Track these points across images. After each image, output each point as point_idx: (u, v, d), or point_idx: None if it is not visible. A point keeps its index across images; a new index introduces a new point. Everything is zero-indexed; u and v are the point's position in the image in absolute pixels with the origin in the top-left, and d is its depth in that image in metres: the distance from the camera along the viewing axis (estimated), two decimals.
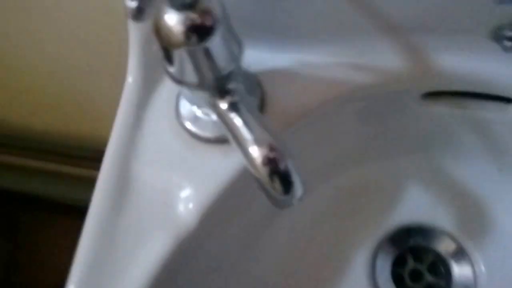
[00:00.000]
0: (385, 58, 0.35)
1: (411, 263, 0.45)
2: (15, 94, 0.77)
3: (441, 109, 0.38)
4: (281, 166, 0.27)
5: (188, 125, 0.34)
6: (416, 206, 0.45)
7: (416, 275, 0.45)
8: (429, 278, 0.44)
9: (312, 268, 0.45)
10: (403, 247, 0.45)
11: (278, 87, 0.35)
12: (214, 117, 0.29)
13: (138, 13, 0.21)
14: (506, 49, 0.31)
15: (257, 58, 0.36)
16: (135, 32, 0.35)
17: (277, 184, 0.27)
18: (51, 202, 1.16)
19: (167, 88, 0.36)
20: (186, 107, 0.34)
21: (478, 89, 0.35)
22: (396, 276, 0.45)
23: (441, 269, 0.44)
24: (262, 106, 0.35)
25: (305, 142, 0.38)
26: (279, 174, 0.27)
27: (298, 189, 0.27)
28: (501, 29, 0.30)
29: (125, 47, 0.36)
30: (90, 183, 0.34)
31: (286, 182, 0.27)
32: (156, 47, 0.26)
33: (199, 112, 0.34)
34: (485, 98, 0.37)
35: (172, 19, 0.24)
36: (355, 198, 0.46)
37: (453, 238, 0.44)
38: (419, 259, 0.45)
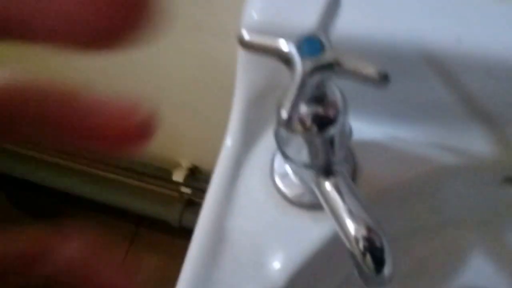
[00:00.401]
0: (475, 144, 0.36)
1: None
2: None
3: None
4: (377, 245, 0.29)
5: (283, 188, 0.36)
6: (479, 275, 0.45)
7: None
8: None
9: None
10: None
11: (369, 158, 0.37)
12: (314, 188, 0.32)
13: (289, 122, 0.23)
14: None
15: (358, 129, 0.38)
16: (239, 98, 0.38)
17: (370, 263, 0.29)
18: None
19: (264, 149, 0.38)
20: (281, 169, 0.37)
21: None
22: None
23: None
24: (354, 176, 0.37)
25: (387, 212, 0.39)
26: (374, 254, 0.29)
27: (389, 269, 0.29)
28: None
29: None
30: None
31: (379, 262, 0.29)
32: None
33: (294, 178, 0.36)
34: None
35: (300, 109, 0.26)
36: (429, 264, 0.47)
37: None
38: None
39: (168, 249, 1.05)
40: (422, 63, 0.33)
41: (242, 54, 0.36)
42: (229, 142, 0.38)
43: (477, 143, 0.36)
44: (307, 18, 0.26)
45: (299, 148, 0.29)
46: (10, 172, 1.12)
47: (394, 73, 0.32)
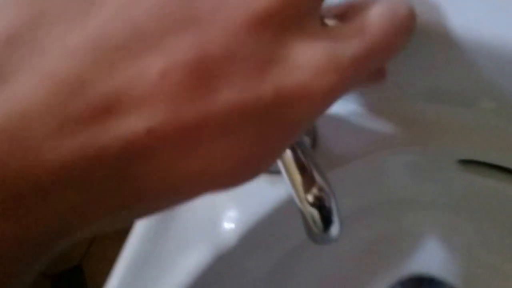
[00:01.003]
0: (427, 122, 0.37)
1: None
2: None
3: (476, 177, 0.40)
4: (326, 203, 0.30)
5: None
6: (432, 259, 0.47)
7: None
8: None
9: None
10: None
11: (331, 132, 0.38)
12: None
13: None
14: None
15: None
16: None
17: (318, 220, 0.30)
18: None
19: None
20: None
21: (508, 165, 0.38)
22: None
23: None
24: (314, 145, 0.38)
25: (345, 186, 0.40)
26: (322, 210, 0.30)
27: (336, 229, 0.30)
28: None
29: None
30: None
31: (327, 221, 0.30)
32: None
33: None
34: None
35: None
36: (379, 243, 0.48)
37: None
38: None
39: None
40: None
41: None
42: None
43: (432, 124, 0.38)
44: None
45: None
46: None
47: None
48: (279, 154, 0.16)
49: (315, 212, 0.30)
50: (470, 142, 0.38)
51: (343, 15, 0.21)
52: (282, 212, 0.35)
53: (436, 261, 0.48)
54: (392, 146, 0.39)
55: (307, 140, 0.37)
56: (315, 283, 0.45)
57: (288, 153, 0.31)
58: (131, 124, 0.12)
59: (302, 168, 0.31)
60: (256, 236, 0.35)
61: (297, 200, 0.30)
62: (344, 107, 0.40)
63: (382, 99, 0.39)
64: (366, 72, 0.17)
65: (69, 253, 1.22)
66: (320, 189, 0.30)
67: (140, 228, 0.35)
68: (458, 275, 0.48)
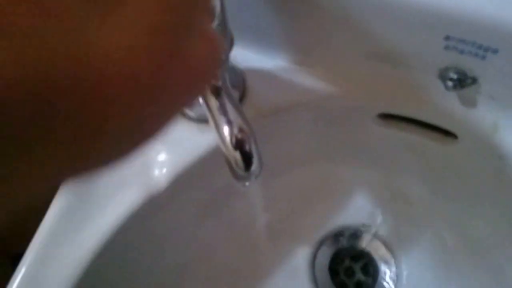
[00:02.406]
0: (353, 76, 0.41)
1: (347, 262, 0.51)
2: None
3: (391, 130, 0.45)
4: (246, 146, 0.33)
5: None
6: (358, 211, 0.51)
7: (350, 272, 0.51)
8: (360, 276, 0.51)
9: (258, 251, 0.50)
10: (341, 246, 0.51)
11: (258, 85, 0.41)
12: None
13: None
14: (448, 89, 0.37)
15: (246, 57, 0.41)
16: None
17: (240, 161, 0.33)
18: None
19: None
20: None
21: (423, 119, 0.42)
22: (333, 271, 0.51)
23: (370, 270, 0.50)
24: (242, 98, 0.40)
25: (269, 135, 0.43)
26: (243, 153, 0.33)
27: (256, 168, 0.33)
28: (446, 71, 0.36)
29: None
30: None
31: (247, 161, 0.33)
32: None
33: None
34: (430, 128, 0.43)
35: None
36: (305, 194, 0.52)
37: (385, 244, 0.50)
38: (354, 259, 0.51)
39: None
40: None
41: None
42: None
43: (354, 78, 0.41)
44: None
45: None
46: None
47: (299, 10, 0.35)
48: None
49: (237, 154, 0.33)
50: (390, 97, 0.42)
51: None
52: (209, 157, 0.38)
53: (362, 213, 0.52)
54: (317, 100, 0.42)
55: (235, 93, 0.40)
56: (239, 232, 0.48)
57: (214, 102, 0.34)
58: None
59: (226, 115, 0.33)
60: (185, 179, 0.38)
61: (221, 144, 0.33)
62: (272, 62, 0.42)
63: (309, 55, 0.42)
64: None
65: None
66: (242, 133, 0.33)
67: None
68: (382, 226, 0.52)
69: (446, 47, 0.34)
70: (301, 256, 0.50)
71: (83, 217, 0.36)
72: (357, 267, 0.51)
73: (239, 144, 0.33)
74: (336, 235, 0.51)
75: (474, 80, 0.37)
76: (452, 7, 0.32)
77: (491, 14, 0.32)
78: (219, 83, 0.33)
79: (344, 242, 0.51)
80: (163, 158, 0.38)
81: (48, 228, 0.36)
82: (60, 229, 0.36)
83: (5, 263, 0.94)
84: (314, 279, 0.50)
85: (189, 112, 0.39)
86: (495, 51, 0.34)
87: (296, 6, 0.37)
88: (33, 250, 0.35)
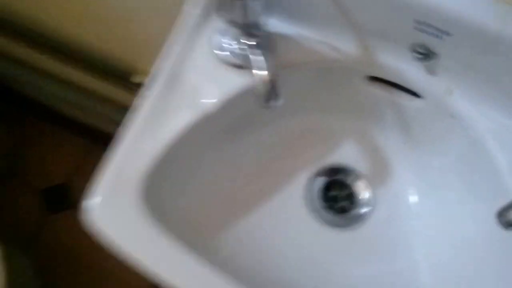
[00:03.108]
0: (349, 46, 0.56)
1: (334, 190, 0.67)
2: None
3: (375, 90, 0.60)
4: (274, 84, 0.48)
5: (220, 54, 0.55)
6: (346, 153, 0.67)
7: (334, 199, 0.67)
8: (344, 202, 0.67)
9: (267, 177, 0.66)
10: (332, 178, 0.67)
11: (282, 43, 0.57)
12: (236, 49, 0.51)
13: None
14: (416, 59, 0.53)
15: (276, 24, 0.57)
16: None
17: (268, 93, 0.49)
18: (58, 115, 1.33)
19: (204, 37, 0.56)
20: (220, 42, 0.55)
21: (398, 82, 0.57)
22: (324, 196, 0.67)
23: (353, 198, 0.66)
24: (272, 51, 0.56)
25: (283, 82, 0.59)
26: (272, 88, 0.48)
27: (279, 100, 0.49)
28: (415, 45, 0.52)
29: None
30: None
31: (274, 93, 0.49)
32: None
33: (230, 48, 0.55)
34: (403, 90, 0.59)
35: None
36: (305, 136, 0.68)
37: (366, 178, 0.66)
38: (339, 189, 0.67)
39: None
40: None
41: None
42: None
43: (350, 47, 0.57)
44: None
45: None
46: None
47: None
48: None
49: (269, 87, 0.48)
50: (375, 63, 0.57)
51: None
52: (245, 92, 0.54)
53: (349, 155, 0.68)
54: (322, 61, 0.58)
55: (268, 46, 0.56)
56: (252, 162, 0.65)
57: (255, 51, 0.50)
58: None
59: (263, 62, 0.49)
60: (225, 109, 0.54)
61: (256, 81, 0.49)
62: (294, 30, 0.58)
63: (327, 27, 0.57)
64: None
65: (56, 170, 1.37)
66: (272, 75, 0.48)
67: (149, 97, 0.53)
68: (364, 166, 0.68)
69: (415, 28, 0.50)
70: (300, 183, 0.66)
71: (153, 129, 0.52)
72: (342, 194, 0.67)
73: (270, 83, 0.49)
74: (328, 171, 0.67)
75: (435, 55, 0.53)
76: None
77: (448, 6, 0.47)
78: (258, 39, 0.49)
79: (337, 175, 0.67)
80: (212, 92, 0.53)
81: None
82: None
83: (16, 253, 1.05)
84: (307, 198, 0.66)
85: (230, 60, 0.55)
86: (449, 34, 0.50)
87: None
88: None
